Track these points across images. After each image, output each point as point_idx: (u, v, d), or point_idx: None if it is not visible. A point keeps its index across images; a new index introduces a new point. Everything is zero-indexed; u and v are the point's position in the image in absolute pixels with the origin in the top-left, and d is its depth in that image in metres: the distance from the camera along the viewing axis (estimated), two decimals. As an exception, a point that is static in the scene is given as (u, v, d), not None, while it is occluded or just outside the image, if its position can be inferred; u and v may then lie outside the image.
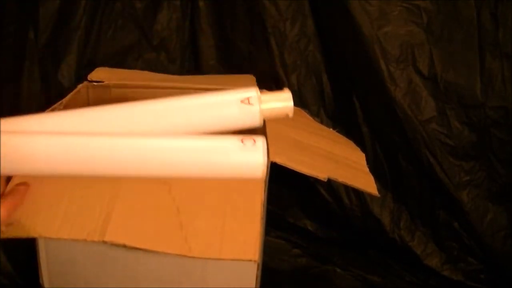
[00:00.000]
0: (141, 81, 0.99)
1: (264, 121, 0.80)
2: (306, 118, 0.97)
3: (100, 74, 0.98)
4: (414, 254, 1.12)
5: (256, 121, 0.40)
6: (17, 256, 0.95)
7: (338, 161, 0.82)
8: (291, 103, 0.40)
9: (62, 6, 1.01)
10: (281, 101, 0.41)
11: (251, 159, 0.38)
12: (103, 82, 0.96)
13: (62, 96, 0.86)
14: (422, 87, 1.03)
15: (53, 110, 0.79)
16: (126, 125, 0.40)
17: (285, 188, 1.17)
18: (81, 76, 1.01)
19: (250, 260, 0.55)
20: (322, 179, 0.68)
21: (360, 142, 1.04)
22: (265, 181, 0.67)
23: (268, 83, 1.10)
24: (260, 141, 0.39)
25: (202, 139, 0.39)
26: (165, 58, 1.15)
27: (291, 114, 0.41)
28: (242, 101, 0.39)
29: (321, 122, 1.11)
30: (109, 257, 0.65)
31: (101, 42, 1.09)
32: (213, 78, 1.11)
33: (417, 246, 1.12)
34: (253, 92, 0.39)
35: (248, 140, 0.39)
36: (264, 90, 0.43)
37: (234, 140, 0.39)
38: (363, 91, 1.08)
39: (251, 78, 1.06)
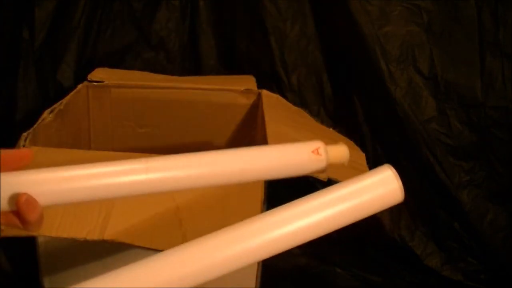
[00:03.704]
0: (141, 81, 0.99)
1: (264, 121, 0.80)
2: (306, 118, 0.97)
3: (100, 74, 0.98)
4: (414, 254, 1.12)
5: (322, 169, 0.45)
6: (17, 256, 0.95)
7: (338, 161, 0.82)
8: (347, 154, 0.46)
9: (59, 6, 1.01)
10: (340, 152, 0.47)
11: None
12: (103, 82, 0.96)
13: (62, 96, 0.86)
14: (422, 87, 1.03)
15: (53, 110, 0.79)
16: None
17: (285, 188, 1.17)
18: (80, 76, 1.01)
19: (250, 260, 0.55)
20: (322, 179, 0.68)
21: (360, 142, 1.04)
22: (265, 181, 0.67)
23: (268, 83, 1.10)
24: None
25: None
26: (164, 58, 1.15)
27: (346, 163, 0.47)
28: (312, 152, 0.44)
29: (321, 122, 1.10)
30: (109, 256, 0.64)
31: (100, 42, 1.09)
32: (213, 79, 1.11)
33: (417, 246, 1.12)
34: (320, 144, 0.45)
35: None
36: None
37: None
38: (363, 91, 1.08)
39: (251, 78, 1.06)
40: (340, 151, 0.47)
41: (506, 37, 0.99)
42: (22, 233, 0.54)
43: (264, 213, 0.40)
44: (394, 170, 0.42)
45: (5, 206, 0.37)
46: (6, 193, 0.37)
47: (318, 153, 0.44)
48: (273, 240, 0.39)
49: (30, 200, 0.37)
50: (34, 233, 0.55)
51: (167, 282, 0.36)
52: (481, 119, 1.03)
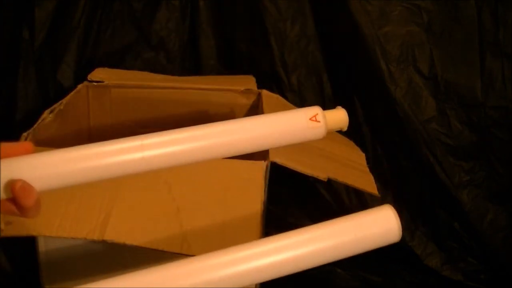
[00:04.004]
0: (141, 81, 0.99)
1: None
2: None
3: (100, 74, 0.98)
4: (414, 254, 1.12)
5: (321, 135, 0.44)
6: (17, 256, 0.95)
7: (338, 161, 0.82)
8: (346, 119, 0.45)
9: (59, 6, 1.01)
10: (338, 117, 0.46)
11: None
12: (103, 82, 0.96)
13: (62, 96, 0.86)
14: (422, 87, 1.03)
15: (53, 110, 0.79)
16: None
17: (285, 188, 1.17)
18: (80, 76, 1.01)
19: (250, 260, 0.55)
20: (322, 179, 0.68)
21: (360, 142, 1.04)
22: (265, 181, 0.67)
23: (268, 83, 1.10)
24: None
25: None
26: (164, 58, 1.14)
27: (345, 128, 0.47)
28: (310, 119, 0.43)
29: (321, 122, 1.10)
30: (108, 256, 0.64)
31: (100, 42, 1.09)
32: (213, 79, 1.11)
33: (417, 246, 1.12)
34: (318, 110, 0.44)
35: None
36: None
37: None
38: (363, 91, 1.08)
39: (251, 78, 1.06)
40: (338, 115, 0.46)
41: (506, 37, 0.99)
42: (22, 233, 0.54)
43: (264, 239, 0.40)
44: (394, 210, 0.42)
45: (1, 193, 0.37)
46: (1, 181, 0.36)
47: (316, 119, 0.43)
48: (268, 266, 0.39)
49: (25, 186, 0.37)
50: (33, 233, 0.55)
51: None
52: (481, 119, 1.03)
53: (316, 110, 0.44)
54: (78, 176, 0.38)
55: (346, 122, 0.46)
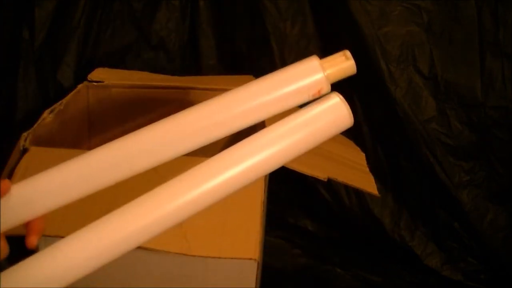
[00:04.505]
0: (141, 81, 0.99)
1: (264, 121, 0.80)
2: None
3: (100, 74, 0.98)
4: (414, 254, 1.12)
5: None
6: (17, 256, 0.95)
7: (338, 161, 0.82)
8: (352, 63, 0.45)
9: (59, 6, 1.01)
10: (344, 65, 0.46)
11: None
12: (103, 82, 0.96)
13: (62, 96, 0.86)
14: (422, 87, 1.03)
15: (53, 110, 0.79)
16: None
17: (285, 188, 1.17)
18: (80, 76, 1.01)
19: (250, 259, 0.55)
20: (322, 179, 0.68)
21: (360, 142, 1.04)
22: (265, 181, 0.67)
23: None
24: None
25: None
26: (164, 58, 1.15)
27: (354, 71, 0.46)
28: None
29: (321, 122, 1.10)
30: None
31: (100, 42, 1.09)
32: (213, 79, 1.11)
33: (417, 246, 1.12)
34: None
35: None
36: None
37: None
38: (363, 91, 1.08)
39: (251, 78, 1.05)
40: (343, 68, 0.46)
41: (506, 37, 0.99)
42: (22, 233, 0.54)
43: (229, 149, 0.42)
44: (341, 97, 0.43)
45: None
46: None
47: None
48: (245, 171, 0.42)
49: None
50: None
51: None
52: (481, 119, 1.03)
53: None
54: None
55: (353, 68, 0.45)
